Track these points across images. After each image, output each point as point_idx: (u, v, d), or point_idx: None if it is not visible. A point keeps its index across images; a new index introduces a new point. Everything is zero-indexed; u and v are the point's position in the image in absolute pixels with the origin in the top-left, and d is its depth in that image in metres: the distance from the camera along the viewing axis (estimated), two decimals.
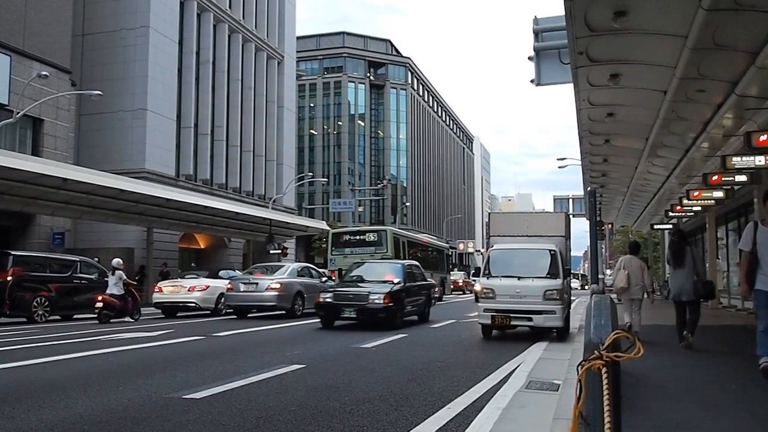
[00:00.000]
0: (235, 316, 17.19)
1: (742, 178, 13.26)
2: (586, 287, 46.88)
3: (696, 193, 16.45)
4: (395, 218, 65.14)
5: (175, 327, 13.80)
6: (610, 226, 37.42)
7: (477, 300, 13.86)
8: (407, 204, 76.33)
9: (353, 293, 13.33)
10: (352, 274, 15.10)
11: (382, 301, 12.82)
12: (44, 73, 21.86)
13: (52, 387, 6.29)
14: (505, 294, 11.04)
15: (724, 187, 15.13)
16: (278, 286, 16.38)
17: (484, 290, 11.35)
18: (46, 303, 16.12)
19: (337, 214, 58.75)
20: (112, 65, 31.72)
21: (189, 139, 35.70)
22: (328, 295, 13.46)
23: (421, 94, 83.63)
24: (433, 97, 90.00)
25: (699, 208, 19.48)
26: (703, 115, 11.38)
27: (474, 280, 32.32)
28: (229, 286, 17.31)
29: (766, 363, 6.15)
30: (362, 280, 14.27)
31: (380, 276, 14.37)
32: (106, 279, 16.17)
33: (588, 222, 15.26)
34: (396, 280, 13.88)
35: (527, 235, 12.51)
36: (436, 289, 23.13)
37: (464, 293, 41.71)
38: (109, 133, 31.43)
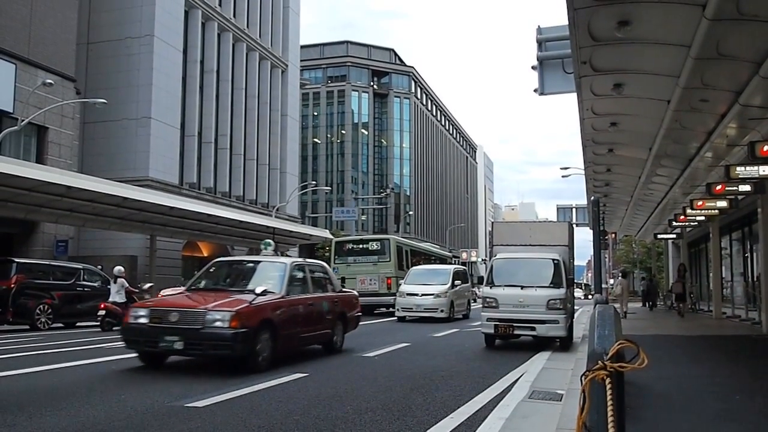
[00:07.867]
0: None
1: (746, 187, 13.21)
2: (590, 297, 46.72)
3: (700, 203, 16.39)
4: (398, 227, 65.10)
5: None
6: (613, 235, 37.30)
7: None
8: (410, 213, 76.31)
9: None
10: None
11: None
12: (49, 81, 21.93)
13: (54, 395, 6.28)
14: (508, 303, 11.01)
15: (728, 196, 15.09)
16: None
17: (487, 299, 11.32)
18: (49, 310, 16.12)
19: (340, 222, 58.80)
20: (116, 74, 31.85)
21: (193, 147, 35.78)
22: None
23: (424, 103, 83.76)
24: (436, 106, 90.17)
25: (703, 218, 19.41)
26: (706, 124, 11.36)
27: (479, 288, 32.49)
28: None
29: None
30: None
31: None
32: (108, 287, 16.17)
33: (591, 231, 15.19)
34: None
35: (530, 245, 12.47)
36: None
37: None
38: (113, 141, 31.54)
